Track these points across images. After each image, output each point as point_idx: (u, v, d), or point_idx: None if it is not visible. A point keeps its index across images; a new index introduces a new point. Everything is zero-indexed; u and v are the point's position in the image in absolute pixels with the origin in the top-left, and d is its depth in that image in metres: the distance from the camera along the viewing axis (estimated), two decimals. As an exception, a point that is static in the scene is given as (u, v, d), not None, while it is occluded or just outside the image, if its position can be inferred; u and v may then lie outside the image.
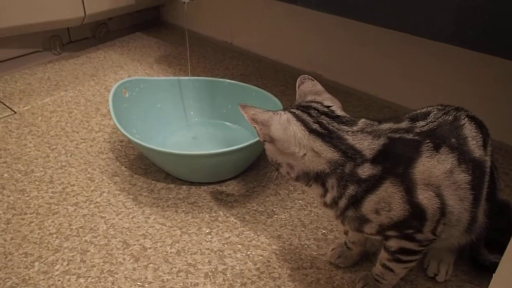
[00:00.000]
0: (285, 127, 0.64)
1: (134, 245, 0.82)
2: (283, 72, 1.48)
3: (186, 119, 1.15)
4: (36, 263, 0.78)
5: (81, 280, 0.75)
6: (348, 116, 0.66)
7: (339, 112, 0.67)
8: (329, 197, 0.64)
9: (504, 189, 0.96)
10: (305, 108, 0.67)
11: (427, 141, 0.62)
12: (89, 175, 1.00)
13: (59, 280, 0.75)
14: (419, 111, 0.69)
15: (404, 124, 0.65)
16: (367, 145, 0.62)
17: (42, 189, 0.95)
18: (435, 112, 0.67)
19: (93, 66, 1.48)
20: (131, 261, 0.79)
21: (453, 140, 0.63)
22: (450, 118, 0.65)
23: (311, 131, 0.63)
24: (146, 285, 0.75)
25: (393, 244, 0.65)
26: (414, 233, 0.62)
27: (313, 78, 0.75)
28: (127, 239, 0.84)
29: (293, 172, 0.65)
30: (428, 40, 1.12)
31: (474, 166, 0.63)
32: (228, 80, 1.15)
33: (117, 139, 1.12)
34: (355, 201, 0.62)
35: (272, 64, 1.52)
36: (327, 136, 0.62)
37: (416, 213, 0.60)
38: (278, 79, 1.42)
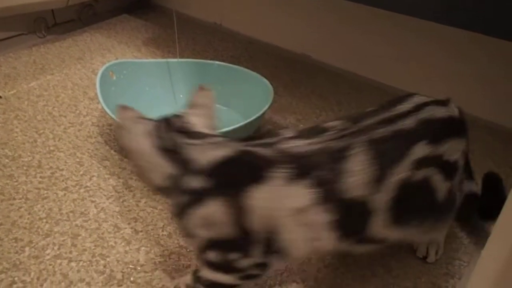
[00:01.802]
0: (138, 139, 0.61)
1: (126, 228, 0.82)
2: (273, 54, 1.46)
3: (176, 102, 1.14)
4: (27, 248, 0.78)
5: (73, 264, 0.75)
6: (209, 133, 0.62)
7: (199, 128, 0.63)
8: (175, 211, 0.60)
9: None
10: (166, 121, 0.64)
11: (290, 165, 0.54)
12: (78, 160, 0.98)
13: (50, 265, 0.75)
14: (323, 125, 0.62)
15: (276, 139, 0.59)
16: (205, 157, 0.57)
17: (30, 174, 0.94)
18: (333, 132, 0.59)
19: (80, 49, 1.45)
20: (123, 244, 0.79)
21: (324, 172, 0.55)
22: (340, 144, 0.57)
23: (157, 146, 0.59)
24: (138, 268, 0.75)
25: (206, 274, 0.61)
26: (236, 260, 0.58)
27: (210, 89, 0.72)
28: (118, 222, 0.83)
29: (151, 184, 0.62)
30: (419, 20, 1.11)
31: (345, 206, 0.55)
32: (218, 62, 1.14)
33: (105, 122, 1.10)
34: (183, 212, 0.58)
35: (262, 46, 1.51)
36: (170, 151, 0.59)
37: (243, 239, 0.56)
38: (268, 61, 1.41)
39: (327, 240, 0.57)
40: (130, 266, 0.75)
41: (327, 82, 1.32)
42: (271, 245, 0.57)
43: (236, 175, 0.56)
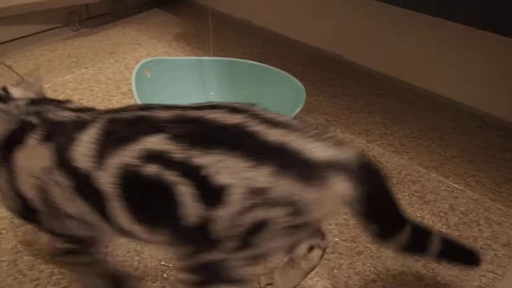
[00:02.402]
0: None
1: (159, 225, 0.84)
2: (302, 51, 1.46)
3: (207, 99, 1.15)
4: (65, 241, 0.80)
5: (109, 258, 0.78)
6: (26, 98, 0.64)
7: (16, 94, 0.65)
8: None
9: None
10: None
11: (43, 130, 0.57)
12: (112, 155, 1.01)
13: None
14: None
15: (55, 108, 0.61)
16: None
17: (67, 168, 0.97)
18: (133, 109, 0.58)
19: (112, 43, 1.48)
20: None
21: (63, 139, 0.55)
22: (95, 118, 0.56)
23: None
24: (171, 265, 0.77)
25: None
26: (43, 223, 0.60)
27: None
28: (151, 219, 0.85)
29: None
30: (453, 23, 1.09)
31: (76, 174, 0.54)
32: (249, 61, 1.14)
33: (138, 118, 1.12)
34: None
35: (292, 43, 1.50)
36: None
37: (24, 203, 0.58)
38: (298, 59, 1.41)
39: (76, 205, 0.56)
40: (163, 263, 0.77)
41: (357, 82, 1.31)
42: (50, 207, 0.57)
43: (8, 142, 0.59)
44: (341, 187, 0.51)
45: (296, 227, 0.51)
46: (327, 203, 0.51)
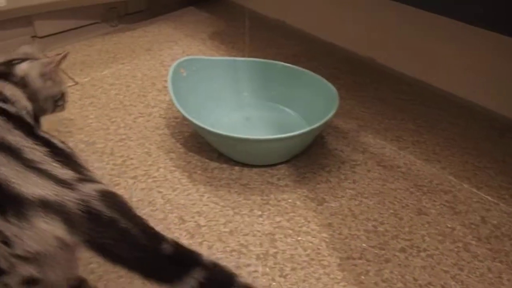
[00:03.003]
0: None
1: (190, 221, 0.86)
2: (336, 54, 1.46)
3: (240, 100, 1.17)
4: (100, 232, 0.83)
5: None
6: None
7: None
8: None
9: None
10: None
11: None
12: (146, 150, 1.04)
13: (121, 250, 0.80)
14: None
15: None
16: None
17: (103, 161, 1.00)
18: None
19: (149, 40, 1.51)
20: (187, 237, 0.83)
21: None
22: None
23: None
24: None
25: None
26: None
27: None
28: (183, 215, 0.88)
29: None
30: (492, 32, 1.07)
31: None
32: (282, 63, 1.15)
33: (172, 115, 1.15)
34: None
35: (325, 45, 1.50)
36: None
37: None
38: (330, 62, 1.41)
39: None
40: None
41: (390, 87, 1.30)
42: None
43: None
44: (49, 228, 0.51)
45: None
46: (33, 240, 0.51)
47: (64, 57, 0.84)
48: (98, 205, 0.53)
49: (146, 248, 0.53)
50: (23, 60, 0.80)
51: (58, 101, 0.86)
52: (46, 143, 0.61)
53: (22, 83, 0.76)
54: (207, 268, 0.53)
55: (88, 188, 0.55)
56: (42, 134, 0.64)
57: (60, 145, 0.63)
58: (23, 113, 0.70)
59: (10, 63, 0.78)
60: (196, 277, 0.52)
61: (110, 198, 0.55)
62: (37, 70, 0.79)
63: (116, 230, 0.53)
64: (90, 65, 1.35)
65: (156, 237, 0.55)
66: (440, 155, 1.06)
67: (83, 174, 0.59)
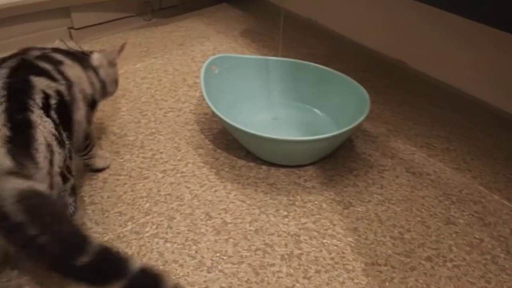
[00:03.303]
0: None
1: (216, 218, 0.88)
2: (366, 56, 1.44)
3: (270, 99, 1.17)
4: (129, 223, 0.86)
5: (168, 244, 0.82)
6: None
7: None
8: None
9: None
10: None
11: None
12: (176, 145, 1.05)
13: (148, 242, 0.82)
14: None
15: None
16: None
17: (134, 153, 1.02)
18: None
19: (181, 35, 1.53)
20: (213, 233, 0.84)
21: None
22: None
23: None
24: (225, 258, 0.80)
25: None
26: None
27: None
28: (209, 211, 0.89)
29: None
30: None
31: None
32: (314, 64, 1.15)
33: (201, 111, 1.17)
34: None
35: (356, 46, 1.49)
36: None
37: None
38: (361, 63, 1.40)
39: None
40: (218, 255, 0.80)
41: (422, 93, 1.28)
42: None
43: None
44: None
45: None
46: None
47: (123, 47, 0.99)
48: (9, 207, 0.53)
49: (56, 258, 0.53)
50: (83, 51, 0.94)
51: (117, 84, 1.00)
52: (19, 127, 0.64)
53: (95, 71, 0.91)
54: (130, 277, 0.54)
55: (10, 184, 0.55)
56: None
57: (37, 133, 0.65)
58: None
59: (83, 53, 0.93)
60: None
61: (29, 200, 0.55)
62: (106, 59, 0.94)
63: (21, 236, 0.52)
64: (123, 58, 1.37)
65: (74, 248, 0.54)
66: (470, 164, 1.04)
67: (22, 168, 0.59)
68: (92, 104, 0.87)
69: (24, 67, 0.74)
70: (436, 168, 1.02)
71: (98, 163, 0.95)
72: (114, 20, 1.54)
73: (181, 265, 0.78)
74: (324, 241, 0.84)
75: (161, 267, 0.77)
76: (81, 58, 0.88)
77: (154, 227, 0.85)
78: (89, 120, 0.86)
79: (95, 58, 0.92)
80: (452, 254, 0.83)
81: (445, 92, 1.28)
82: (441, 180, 0.99)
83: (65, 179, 0.71)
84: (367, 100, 1.00)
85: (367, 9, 1.44)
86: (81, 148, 0.88)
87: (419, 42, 1.33)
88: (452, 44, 1.26)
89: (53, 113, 0.71)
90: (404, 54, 1.38)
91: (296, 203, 0.92)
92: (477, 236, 0.87)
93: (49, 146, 0.66)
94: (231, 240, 0.83)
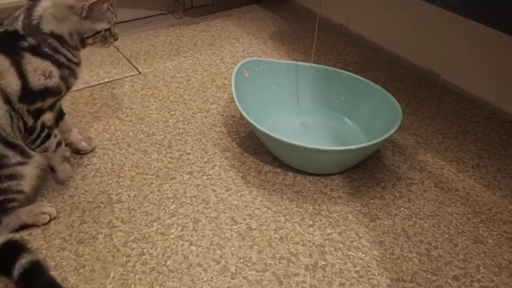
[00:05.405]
0: None
1: (241, 223, 0.88)
2: (398, 65, 1.42)
3: (298, 105, 1.17)
4: (155, 224, 0.86)
5: (193, 247, 0.82)
6: None
7: None
8: None
9: None
10: None
11: None
12: (203, 146, 1.06)
13: (174, 244, 0.83)
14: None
15: None
16: None
17: (161, 153, 1.03)
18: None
19: (211, 35, 1.53)
20: (238, 238, 0.84)
21: None
22: None
23: None
24: (249, 265, 0.80)
25: None
26: None
27: None
28: (235, 216, 0.89)
29: None
30: None
31: None
32: (346, 72, 1.13)
33: (229, 114, 1.17)
34: None
35: (388, 55, 1.47)
36: None
37: None
38: (392, 73, 1.38)
39: None
40: (242, 261, 0.80)
41: (454, 106, 1.26)
42: None
43: None
44: None
45: None
46: None
47: None
48: None
49: None
50: None
51: (87, 39, 0.87)
52: None
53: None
54: None
55: None
56: None
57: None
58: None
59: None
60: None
61: None
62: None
63: None
64: (153, 56, 1.39)
65: None
66: (501, 182, 1.02)
67: None
68: None
69: None
70: (465, 184, 1.00)
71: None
72: (146, 17, 1.55)
73: (205, 269, 0.78)
74: (350, 253, 0.83)
75: (185, 271, 0.78)
76: None
77: (179, 229, 0.86)
78: None
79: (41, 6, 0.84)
80: (480, 275, 0.81)
81: (478, 106, 1.26)
82: (470, 197, 0.97)
83: None
84: (399, 111, 0.98)
85: (400, 18, 1.42)
86: None
87: (454, 54, 1.30)
88: (489, 60, 1.23)
89: None
90: (438, 66, 1.36)
91: (322, 212, 0.91)
92: (506, 257, 0.85)
93: None
94: (255, 246, 0.83)
